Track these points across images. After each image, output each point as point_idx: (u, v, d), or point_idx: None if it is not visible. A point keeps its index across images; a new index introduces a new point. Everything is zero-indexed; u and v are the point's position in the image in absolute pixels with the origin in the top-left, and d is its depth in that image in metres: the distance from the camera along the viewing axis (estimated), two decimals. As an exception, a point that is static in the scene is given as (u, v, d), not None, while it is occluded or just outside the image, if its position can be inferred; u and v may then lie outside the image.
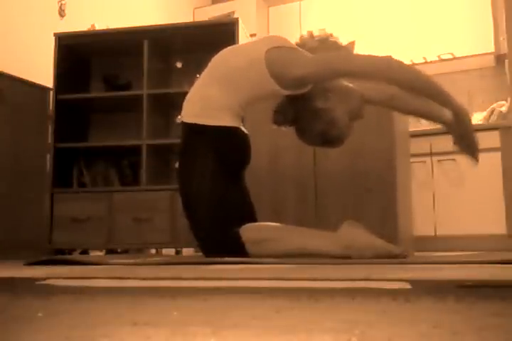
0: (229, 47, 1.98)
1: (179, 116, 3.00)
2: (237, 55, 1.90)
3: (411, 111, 2.08)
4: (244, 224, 1.80)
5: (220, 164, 1.85)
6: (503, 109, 4.18)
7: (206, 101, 1.89)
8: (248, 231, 1.78)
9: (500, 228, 3.74)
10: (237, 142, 1.90)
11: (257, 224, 1.86)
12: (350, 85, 1.97)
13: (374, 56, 1.77)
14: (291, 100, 1.92)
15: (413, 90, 1.75)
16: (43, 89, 3.28)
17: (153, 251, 3.59)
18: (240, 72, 1.86)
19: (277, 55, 1.81)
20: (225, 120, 1.86)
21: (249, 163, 1.98)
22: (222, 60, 1.93)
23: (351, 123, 1.95)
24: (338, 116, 1.91)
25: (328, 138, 1.94)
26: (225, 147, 1.86)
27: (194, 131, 1.88)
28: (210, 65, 1.95)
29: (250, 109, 2.49)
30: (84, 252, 3.34)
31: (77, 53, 3.46)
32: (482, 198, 3.82)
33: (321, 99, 1.90)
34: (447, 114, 1.82)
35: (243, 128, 1.93)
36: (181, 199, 1.90)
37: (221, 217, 1.83)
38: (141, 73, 3.23)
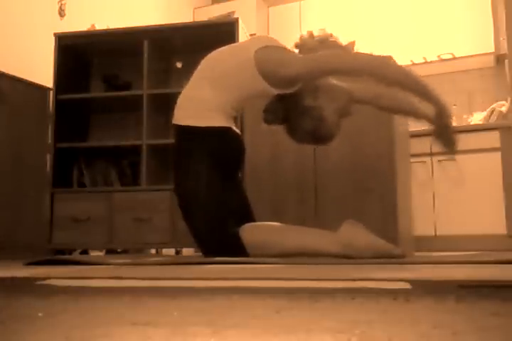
0: (218, 49, 1.98)
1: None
2: (227, 56, 1.91)
3: (396, 109, 2.13)
4: (241, 224, 1.80)
5: (214, 164, 1.85)
6: (503, 109, 4.18)
7: (197, 102, 1.89)
8: (248, 232, 1.78)
9: (500, 228, 3.74)
10: (229, 142, 1.90)
11: (256, 223, 1.86)
12: (339, 83, 1.99)
13: (364, 54, 1.82)
14: (281, 99, 1.93)
15: (400, 85, 1.80)
16: (43, 89, 3.28)
17: (153, 251, 3.59)
18: (230, 72, 1.87)
19: (266, 54, 1.82)
20: (216, 120, 1.86)
21: (243, 163, 1.98)
22: (211, 61, 1.94)
23: (340, 121, 1.98)
24: (327, 114, 1.93)
25: (318, 136, 1.96)
26: (217, 147, 1.87)
27: (187, 133, 1.89)
28: (199, 67, 1.96)
29: (249, 109, 2.50)
30: (84, 252, 3.34)
31: (77, 53, 3.45)
32: (482, 198, 3.81)
33: (310, 97, 1.92)
34: (429, 111, 1.91)
35: (235, 129, 1.94)
36: (177, 200, 1.89)
37: (218, 218, 1.82)
38: (141, 73, 3.23)
